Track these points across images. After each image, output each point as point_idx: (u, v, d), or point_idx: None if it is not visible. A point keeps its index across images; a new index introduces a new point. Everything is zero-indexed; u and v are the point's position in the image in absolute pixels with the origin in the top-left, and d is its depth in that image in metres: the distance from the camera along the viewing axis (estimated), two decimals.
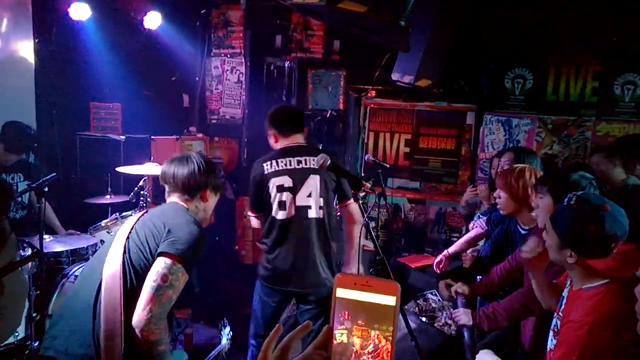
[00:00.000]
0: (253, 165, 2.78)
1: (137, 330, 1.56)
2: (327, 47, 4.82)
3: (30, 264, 2.95)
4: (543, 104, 4.38)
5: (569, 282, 1.78)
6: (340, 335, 0.79)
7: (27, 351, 2.67)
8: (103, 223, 3.61)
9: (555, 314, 1.79)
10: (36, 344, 2.85)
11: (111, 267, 1.68)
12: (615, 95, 4.21)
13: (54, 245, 3.22)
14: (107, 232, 3.49)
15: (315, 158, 2.38)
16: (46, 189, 2.94)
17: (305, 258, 2.65)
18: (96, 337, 1.61)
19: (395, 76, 3.67)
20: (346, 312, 0.79)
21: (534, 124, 4.37)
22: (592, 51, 4.18)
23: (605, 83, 4.22)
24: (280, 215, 2.64)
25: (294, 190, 2.63)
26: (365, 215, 1.93)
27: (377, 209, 4.58)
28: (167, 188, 2.03)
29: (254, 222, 2.86)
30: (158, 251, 1.66)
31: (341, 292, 0.78)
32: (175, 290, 1.63)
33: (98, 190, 3.93)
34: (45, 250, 2.94)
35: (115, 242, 1.77)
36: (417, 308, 2.84)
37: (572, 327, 1.61)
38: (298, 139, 2.75)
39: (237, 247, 5.07)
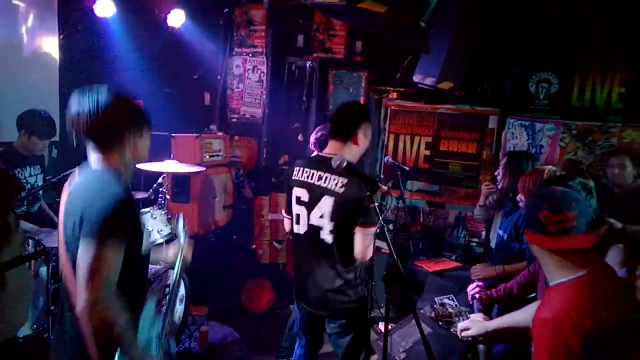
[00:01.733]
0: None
1: (83, 320, 1.46)
2: (349, 48, 4.80)
3: (40, 258, 3.01)
4: (568, 109, 4.29)
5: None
6: None
7: (46, 344, 2.72)
8: None
9: None
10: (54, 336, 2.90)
11: (64, 266, 1.63)
12: None
13: None
14: None
15: (340, 178, 2.23)
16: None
17: (311, 278, 2.46)
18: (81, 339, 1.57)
19: (417, 78, 3.62)
20: None
21: (558, 129, 4.28)
22: (619, 56, 4.07)
23: (632, 89, 4.12)
24: (296, 228, 2.51)
25: (309, 207, 2.41)
26: (381, 218, 1.89)
27: (395, 212, 4.54)
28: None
29: (286, 224, 2.69)
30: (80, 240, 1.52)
31: None
32: (109, 267, 1.49)
33: None
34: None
35: (60, 234, 1.67)
36: (433, 313, 2.78)
37: (538, 325, 1.60)
38: (336, 148, 2.38)
39: (254, 246, 5.07)
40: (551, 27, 4.07)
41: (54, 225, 3.23)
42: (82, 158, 4.67)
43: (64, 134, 4.47)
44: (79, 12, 4.52)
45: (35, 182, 3.52)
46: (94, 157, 1.68)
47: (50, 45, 4.29)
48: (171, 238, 3.48)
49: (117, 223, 1.52)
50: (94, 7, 4.27)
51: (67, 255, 1.62)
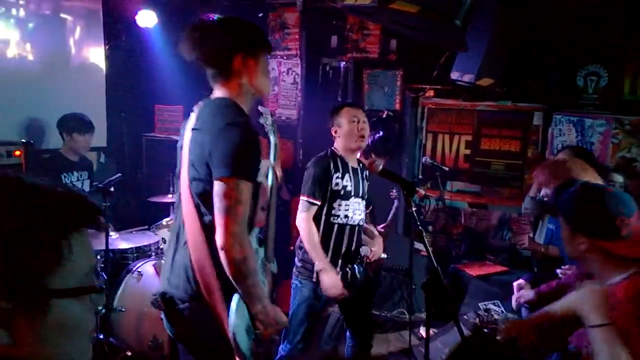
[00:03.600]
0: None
1: (223, 254, 1.53)
2: (383, 47, 4.72)
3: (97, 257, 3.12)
4: (619, 103, 4.04)
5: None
6: None
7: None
8: (164, 221, 3.74)
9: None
10: (101, 336, 3.00)
11: (185, 203, 1.67)
12: None
13: (119, 242, 3.37)
14: (168, 230, 3.61)
15: None
16: (112, 189, 3.09)
17: None
18: (191, 269, 1.64)
19: (454, 75, 3.51)
20: None
21: (610, 125, 4.05)
22: None
23: None
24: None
25: None
26: (419, 222, 1.83)
27: (435, 213, 4.45)
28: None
29: None
30: (213, 177, 1.56)
31: None
32: (245, 204, 1.54)
33: (161, 189, 4.08)
34: (111, 247, 3.13)
35: (182, 172, 1.70)
36: (477, 319, 2.70)
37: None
38: None
39: (292, 248, 5.08)
40: (598, 15, 3.85)
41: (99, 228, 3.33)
42: (129, 163, 4.84)
43: (111, 140, 4.65)
44: (123, 23, 4.69)
45: (82, 187, 3.66)
46: (215, 87, 1.72)
47: (96, 55, 4.47)
48: None
49: (247, 156, 1.55)
50: (137, 18, 4.42)
51: (189, 192, 1.64)
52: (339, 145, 2.81)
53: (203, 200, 1.61)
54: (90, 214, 0.76)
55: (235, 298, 1.60)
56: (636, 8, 3.71)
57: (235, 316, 1.59)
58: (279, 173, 2.13)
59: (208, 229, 1.59)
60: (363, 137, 2.76)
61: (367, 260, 2.92)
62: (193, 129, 1.66)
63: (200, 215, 1.62)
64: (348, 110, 2.79)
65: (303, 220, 2.70)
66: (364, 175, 2.90)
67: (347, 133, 2.73)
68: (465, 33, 2.10)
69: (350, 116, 2.75)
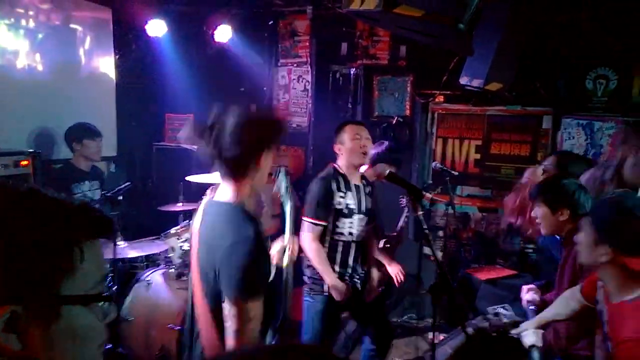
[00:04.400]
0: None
1: None
2: (393, 53, 4.74)
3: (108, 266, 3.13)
4: (629, 105, 4.01)
5: (602, 297, 1.66)
6: None
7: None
8: (173, 230, 3.73)
9: (602, 333, 1.66)
10: (109, 345, 3.01)
11: (198, 300, 1.68)
12: None
13: (128, 251, 3.37)
14: (177, 238, 3.61)
15: None
16: (120, 198, 3.11)
17: None
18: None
19: (463, 80, 3.51)
20: None
21: (619, 128, 4.02)
22: None
23: None
24: None
25: None
26: (425, 226, 1.82)
27: (445, 218, 4.42)
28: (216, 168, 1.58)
29: None
30: (222, 296, 1.53)
31: None
32: (254, 320, 1.52)
33: (171, 197, 4.10)
34: (120, 256, 3.13)
35: (193, 273, 1.68)
36: (487, 324, 2.67)
37: (629, 347, 1.47)
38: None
39: (302, 254, 5.08)
40: (607, 18, 3.83)
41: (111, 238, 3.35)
42: (139, 172, 4.77)
43: (121, 149, 4.70)
44: (133, 33, 4.75)
45: (93, 196, 3.68)
46: (224, 187, 1.60)
47: (106, 65, 4.52)
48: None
49: (258, 274, 1.50)
50: (146, 27, 4.47)
51: (202, 294, 1.63)
52: (341, 162, 2.83)
53: (215, 301, 1.58)
54: (103, 225, 0.78)
55: None
56: None
57: None
58: (294, 248, 2.02)
59: (221, 325, 1.56)
60: (365, 153, 2.79)
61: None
62: (201, 240, 1.63)
63: (213, 315, 1.60)
64: (351, 127, 2.82)
65: (309, 240, 2.70)
66: (367, 191, 2.91)
67: (350, 150, 2.76)
68: (470, 37, 2.11)
69: (353, 133, 2.78)
